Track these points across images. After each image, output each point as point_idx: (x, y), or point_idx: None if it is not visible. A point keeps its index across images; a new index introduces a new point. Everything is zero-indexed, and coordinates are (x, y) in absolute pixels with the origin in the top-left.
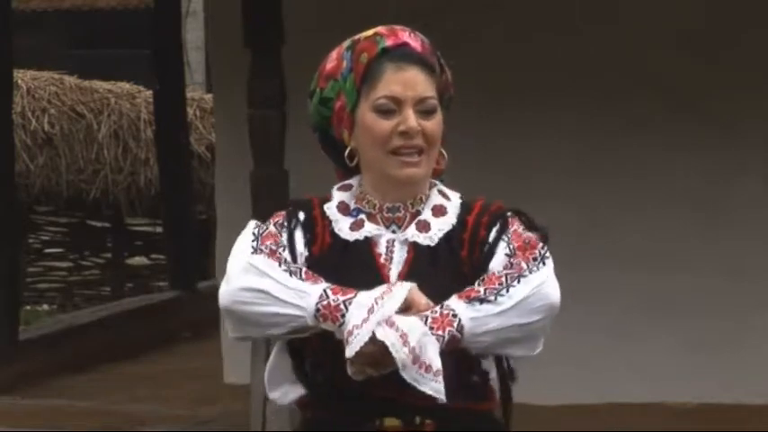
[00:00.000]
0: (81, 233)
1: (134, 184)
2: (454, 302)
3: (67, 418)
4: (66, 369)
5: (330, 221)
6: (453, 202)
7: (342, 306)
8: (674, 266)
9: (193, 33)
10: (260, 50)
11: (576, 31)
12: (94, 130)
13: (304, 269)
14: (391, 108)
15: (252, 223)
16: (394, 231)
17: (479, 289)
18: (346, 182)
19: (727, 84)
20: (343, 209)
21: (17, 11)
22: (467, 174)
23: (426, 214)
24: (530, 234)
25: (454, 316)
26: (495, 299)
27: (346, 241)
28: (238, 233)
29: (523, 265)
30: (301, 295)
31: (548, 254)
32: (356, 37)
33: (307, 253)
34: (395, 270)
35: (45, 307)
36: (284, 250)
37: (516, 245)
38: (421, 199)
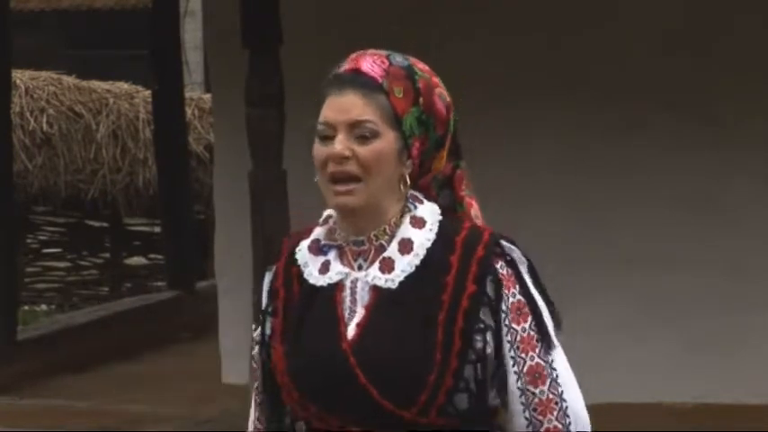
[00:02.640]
0: (79, 233)
1: (132, 183)
2: None
3: (66, 419)
4: (64, 369)
5: (299, 266)
6: (425, 230)
7: None
8: (674, 266)
9: (191, 33)
10: (258, 50)
11: (575, 31)
12: (93, 130)
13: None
14: (328, 134)
15: None
16: (360, 267)
17: None
18: (330, 213)
19: (727, 84)
20: (315, 248)
21: (15, 11)
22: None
23: (392, 250)
24: (539, 354)
25: None
26: None
27: (313, 287)
28: (237, 233)
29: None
30: None
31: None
32: None
33: (273, 318)
34: (354, 320)
35: (43, 307)
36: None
37: (526, 369)
38: (385, 230)
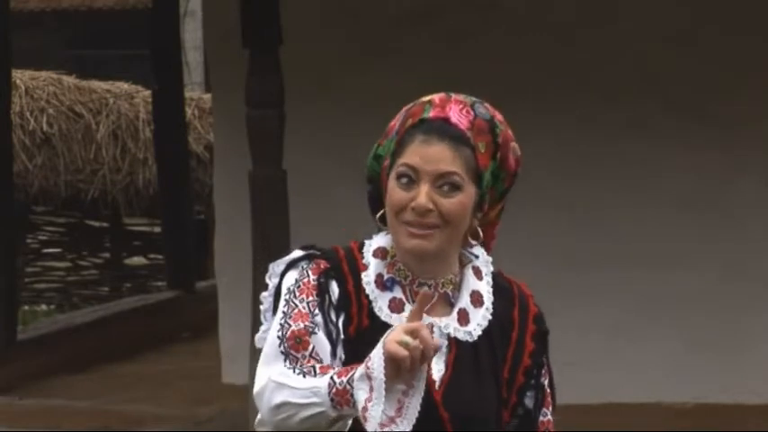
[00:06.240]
0: (79, 233)
1: (132, 183)
2: None
3: (66, 419)
4: (64, 369)
5: (368, 300)
6: (484, 282)
7: (348, 386)
8: (674, 266)
9: (191, 33)
10: (258, 50)
11: (575, 33)
12: (93, 130)
13: (319, 365)
14: (410, 178)
15: (280, 309)
16: None
17: None
18: (381, 245)
19: (727, 84)
20: (380, 284)
21: (15, 11)
22: None
23: (464, 301)
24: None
25: None
26: None
27: (386, 324)
28: (237, 233)
29: None
30: (315, 391)
31: None
32: (422, 98)
33: (343, 336)
34: (436, 366)
35: (43, 307)
36: (315, 331)
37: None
38: (451, 280)
